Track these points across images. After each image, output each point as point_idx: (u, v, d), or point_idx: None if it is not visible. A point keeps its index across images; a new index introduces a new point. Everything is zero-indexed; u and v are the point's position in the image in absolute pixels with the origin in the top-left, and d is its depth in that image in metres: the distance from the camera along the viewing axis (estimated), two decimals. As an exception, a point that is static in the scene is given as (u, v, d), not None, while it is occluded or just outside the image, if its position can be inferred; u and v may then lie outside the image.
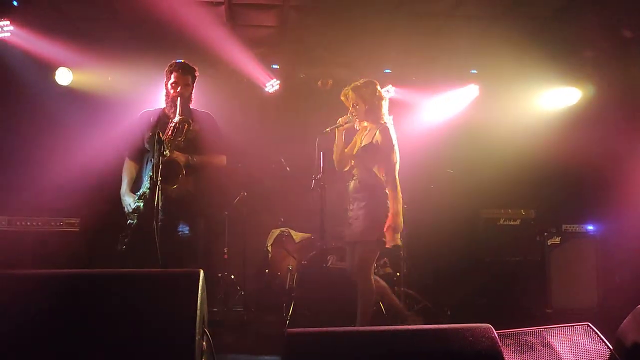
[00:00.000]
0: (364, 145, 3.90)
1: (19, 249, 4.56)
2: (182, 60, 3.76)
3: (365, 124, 3.98)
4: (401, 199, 3.78)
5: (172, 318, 1.82)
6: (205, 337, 2.03)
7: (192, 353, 1.74)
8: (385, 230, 3.71)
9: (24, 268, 4.28)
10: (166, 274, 1.93)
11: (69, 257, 4.73)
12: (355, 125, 4.00)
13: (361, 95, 3.90)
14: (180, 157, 3.52)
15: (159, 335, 1.80)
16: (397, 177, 3.83)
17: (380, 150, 3.82)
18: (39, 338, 1.89)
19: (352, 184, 3.98)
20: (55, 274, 2.02)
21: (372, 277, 3.84)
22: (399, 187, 3.79)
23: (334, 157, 3.99)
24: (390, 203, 3.76)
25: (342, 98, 4.04)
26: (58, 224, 4.78)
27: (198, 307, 1.84)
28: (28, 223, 4.68)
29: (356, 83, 3.97)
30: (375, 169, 3.86)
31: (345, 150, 4.02)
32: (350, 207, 3.94)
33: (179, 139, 3.48)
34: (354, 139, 4.05)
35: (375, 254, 3.83)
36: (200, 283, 1.89)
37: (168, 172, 3.35)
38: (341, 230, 4.01)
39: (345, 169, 4.05)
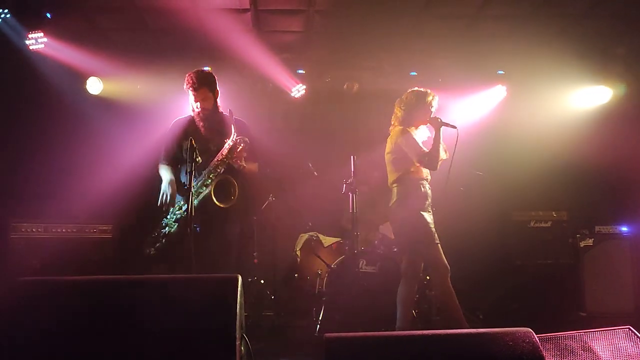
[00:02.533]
0: None
1: (54, 255, 4.67)
2: (194, 71, 3.71)
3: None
4: None
5: (213, 323, 1.84)
6: (243, 342, 2.05)
7: (233, 358, 1.75)
8: None
9: (59, 274, 4.39)
10: (206, 279, 1.95)
11: (102, 263, 4.84)
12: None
13: None
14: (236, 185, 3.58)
15: (201, 339, 1.82)
16: None
17: None
18: (79, 344, 1.93)
19: (429, 187, 4.08)
20: (97, 280, 2.06)
21: None
22: None
23: (437, 153, 3.95)
24: None
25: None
26: (92, 230, 4.88)
27: (238, 312, 1.86)
28: (63, 230, 4.79)
29: None
30: None
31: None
32: (433, 210, 4.07)
33: (232, 159, 3.54)
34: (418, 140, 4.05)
35: None
36: (239, 288, 1.92)
37: (223, 191, 3.43)
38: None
39: None
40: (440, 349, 1.90)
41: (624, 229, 5.33)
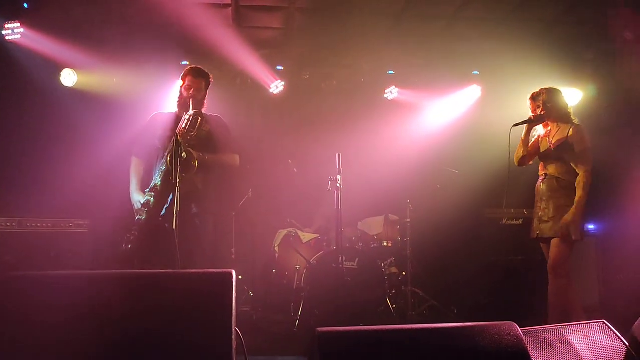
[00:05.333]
0: (560, 144, 4.00)
1: (29, 250, 4.59)
2: (197, 66, 3.81)
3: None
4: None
5: (210, 317, 1.87)
6: (236, 335, 2.08)
7: (230, 351, 1.78)
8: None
9: (34, 269, 4.31)
10: (201, 274, 1.97)
11: (78, 258, 4.78)
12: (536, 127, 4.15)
13: (555, 97, 4.12)
14: (192, 153, 3.55)
15: (197, 334, 1.84)
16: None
17: (574, 148, 4.00)
18: (73, 340, 1.93)
19: (547, 182, 4.08)
20: (88, 275, 2.06)
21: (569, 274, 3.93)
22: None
23: (518, 152, 4.11)
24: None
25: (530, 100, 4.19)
26: (67, 225, 4.81)
27: (233, 306, 1.89)
28: (38, 224, 4.70)
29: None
30: (572, 166, 4.03)
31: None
32: (543, 206, 4.08)
33: (192, 133, 3.52)
34: (536, 139, 4.15)
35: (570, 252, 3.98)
36: (234, 283, 1.95)
37: (182, 162, 3.39)
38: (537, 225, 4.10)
39: (524, 166, 4.23)
40: (429, 341, 1.97)
41: (591, 227, 5.52)
